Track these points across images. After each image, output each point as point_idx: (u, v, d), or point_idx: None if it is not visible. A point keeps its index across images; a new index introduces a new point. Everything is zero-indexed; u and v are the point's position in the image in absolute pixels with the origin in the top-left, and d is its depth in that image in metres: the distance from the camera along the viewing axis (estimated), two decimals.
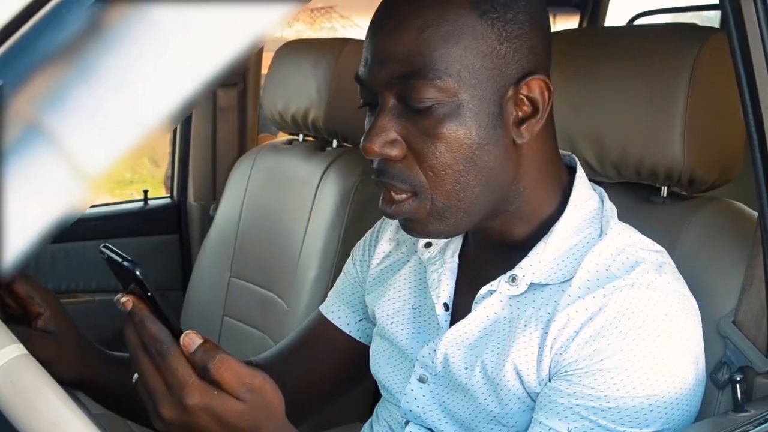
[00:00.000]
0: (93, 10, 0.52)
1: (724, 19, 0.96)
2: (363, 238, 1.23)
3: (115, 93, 0.51)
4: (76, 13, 0.52)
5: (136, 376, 0.83)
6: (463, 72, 0.88)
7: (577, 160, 1.02)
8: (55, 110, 0.50)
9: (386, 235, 1.18)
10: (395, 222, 1.18)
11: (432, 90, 0.88)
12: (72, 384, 1.08)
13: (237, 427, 0.81)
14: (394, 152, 0.91)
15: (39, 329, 1.07)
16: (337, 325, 1.21)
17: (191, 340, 0.80)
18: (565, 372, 0.90)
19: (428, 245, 1.08)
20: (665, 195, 1.17)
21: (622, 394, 0.87)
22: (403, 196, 0.92)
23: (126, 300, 0.81)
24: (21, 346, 0.70)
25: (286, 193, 2.03)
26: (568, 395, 0.89)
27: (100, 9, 0.52)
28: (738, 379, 0.94)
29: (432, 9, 0.88)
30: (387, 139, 0.91)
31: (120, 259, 0.80)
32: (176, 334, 0.80)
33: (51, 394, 0.69)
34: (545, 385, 0.92)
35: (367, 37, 0.94)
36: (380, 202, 0.96)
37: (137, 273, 0.79)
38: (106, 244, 0.84)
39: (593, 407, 0.88)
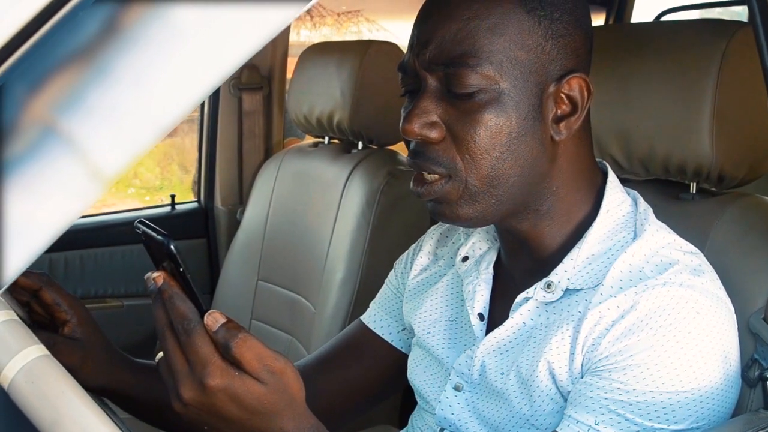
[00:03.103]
0: (108, 11, 0.52)
1: (750, 14, 0.95)
2: (406, 251, 1.24)
3: (131, 93, 0.51)
4: (92, 15, 0.52)
5: (160, 355, 0.83)
6: (505, 62, 0.90)
7: (608, 165, 1.03)
8: (72, 112, 0.50)
9: (426, 249, 1.19)
10: (436, 237, 1.20)
11: (474, 77, 0.90)
12: (97, 391, 1.09)
13: (256, 411, 0.80)
14: (434, 134, 0.92)
15: (65, 336, 1.07)
16: (380, 334, 1.21)
17: (215, 319, 0.80)
18: (595, 368, 0.90)
19: (465, 259, 1.09)
20: (694, 192, 1.16)
21: (651, 389, 0.86)
22: (436, 177, 0.93)
23: (157, 275, 0.81)
24: (42, 347, 0.71)
25: (313, 196, 2.04)
26: (598, 389, 0.88)
27: (116, 10, 0.52)
28: None
29: (481, 2, 0.91)
30: (427, 121, 0.92)
31: (154, 233, 0.80)
32: (204, 313, 0.80)
33: (72, 394, 0.69)
34: (577, 382, 0.92)
35: (414, 24, 0.96)
36: (411, 183, 0.97)
37: (171, 247, 0.79)
38: (142, 219, 0.84)
39: (621, 401, 0.87)
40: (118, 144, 0.49)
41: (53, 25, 0.51)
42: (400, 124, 0.94)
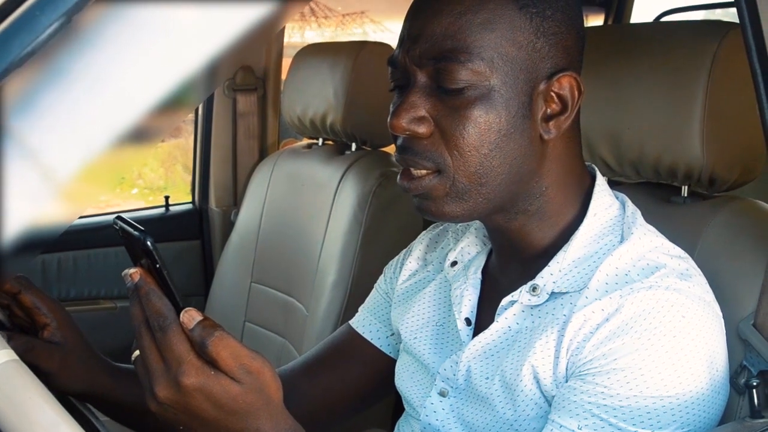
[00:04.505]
0: (66, 11, 0.51)
1: (738, 15, 0.94)
2: (396, 256, 1.23)
3: (87, 96, 0.49)
4: (50, 15, 0.50)
5: (136, 353, 0.82)
6: (496, 58, 0.89)
7: (596, 168, 1.02)
8: (26, 114, 0.49)
9: (415, 254, 1.18)
10: (425, 242, 1.19)
11: (464, 72, 0.89)
12: (77, 395, 1.08)
13: (232, 410, 0.79)
14: (422, 129, 0.91)
15: (45, 340, 1.07)
16: (368, 339, 1.20)
17: (191, 316, 0.79)
18: (580, 372, 0.89)
19: (454, 264, 1.08)
20: (686, 195, 1.14)
21: (634, 393, 0.85)
22: (423, 172, 0.93)
23: (134, 272, 0.80)
24: (11, 351, 0.70)
25: (306, 198, 2.03)
26: (581, 393, 0.88)
27: (74, 11, 0.51)
28: (754, 384, 0.91)
29: None
30: (415, 116, 0.91)
31: (132, 229, 0.79)
32: (181, 311, 0.79)
33: (41, 400, 0.69)
34: (561, 386, 0.91)
35: (405, 19, 0.95)
36: (398, 177, 0.96)
37: (148, 242, 0.78)
38: (120, 215, 0.83)
39: (605, 405, 0.86)
40: (72, 147, 0.48)
41: (9, 25, 0.50)
42: (388, 119, 0.92)
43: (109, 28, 0.51)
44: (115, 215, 0.84)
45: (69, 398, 1.07)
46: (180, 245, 2.36)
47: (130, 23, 0.52)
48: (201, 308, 2.29)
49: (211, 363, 0.79)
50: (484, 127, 0.90)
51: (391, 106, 0.95)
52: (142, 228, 0.79)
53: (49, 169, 0.47)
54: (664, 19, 2.88)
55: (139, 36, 0.52)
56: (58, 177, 0.48)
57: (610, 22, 2.81)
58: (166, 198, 2.38)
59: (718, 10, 3.53)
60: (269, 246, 2.12)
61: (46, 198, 0.48)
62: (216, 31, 0.54)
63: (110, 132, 0.49)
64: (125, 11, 0.52)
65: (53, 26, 0.51)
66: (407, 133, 0.92)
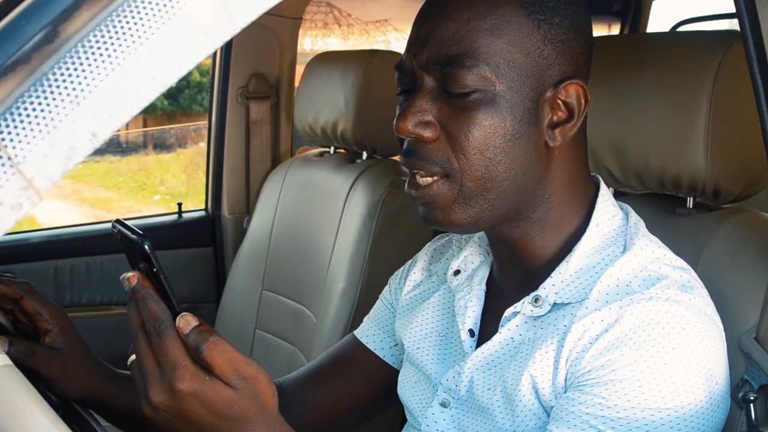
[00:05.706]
0: (53, 22, 0.51)
1: (740, 26, 0.93)
2: (401, 267, 1.23)
3: (70, 104, 0.50)
4: (36, 25, 0.51)
5: (133, 357, 0.82)
6: (502, 64, 0.89)
7: (601, 179, 1.01)
8: (7, 122, 0.49)
9: (420, 265, 1.18)
10: (430, 253, 1.19)
11: (471, 77, 0.89)
12: (78, 401, 1.09)
13: (226, 416, 0.80)
14: (427, 133, 0.91)
15: (46, 345, 1.07)
16: (372, 349, 1.20)
17: (186, 321, 0.79)
18: (578, 382, 0.88)
19: (457, 273, 1.08)
20: (691, 206, 1.14)
21: (632, 404, 0.85)
22: (430, 179, 0.92)
23: (131, 276, 0.81)
24: (5, 356, 0.70)
25: (317, 206, 2.03)
26: (579, 404, 0.87)
27: (61, 21, 0.51)
28: (752, 398, 0.90)
29: (482, 3, 0.90)
30: (422, 120, 0.91)
31: (129, 233, 0.80)
32: (177, 315, 0.80)
33: (33, 405, 0.69)
34: (560, 397, 0.90)
35: (414, 23, 0.95)
36: (406, 186, 0.96)
37: (145, 246, 0.78)
38: (119, 218, 0.84)
39: (602, 416, 0.85)
40: (53, 156, 0.49)
41: None
42: (394, 122, 0.93)
43: (94, 38, 0.52)
44: (114, 220, 0.85)
45: (72, 404, 1.08)
46: (192, 252, 2.36)
47: (114, 33, 0.52)
48: (213, 315, 2.29)
49: (206, 368, 0.79)
50: (489, 131, 0.90)
51: (398, 109, 0.95)
52: (141, 232, 0.79)
53: (28, 178, 0.48)
54: (681, 28, 2.87)
55: (122, 46, 0.53)
56: (37, 185, 0.48)
57: (626, 31, 2.80)
58: (179, 205, 2.39)
59: (735, 20, 3.51)
60: (280, 253, 2.13)
61: (26, 206, 0.48)
62: (208, 38, 0.54)
63: (91, 141, 0.49)
64: (109, 21, 0.52)
65: (39, 36, 0.51)
66: (412, 136, 0.92)
